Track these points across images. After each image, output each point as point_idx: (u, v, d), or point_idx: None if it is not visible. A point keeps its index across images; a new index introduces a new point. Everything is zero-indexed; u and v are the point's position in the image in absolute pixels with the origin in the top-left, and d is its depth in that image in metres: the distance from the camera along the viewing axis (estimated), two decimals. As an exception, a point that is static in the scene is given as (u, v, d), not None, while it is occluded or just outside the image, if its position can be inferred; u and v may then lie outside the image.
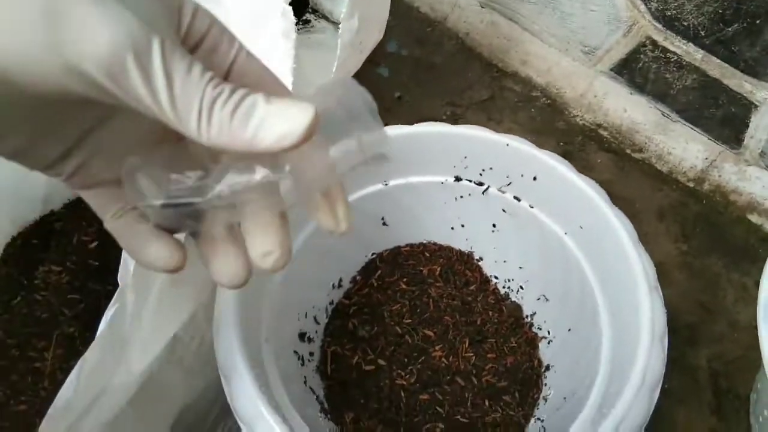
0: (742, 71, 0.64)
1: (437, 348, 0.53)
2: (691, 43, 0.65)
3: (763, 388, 0.53)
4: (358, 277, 0.57)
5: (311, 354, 0.53)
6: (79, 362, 0.35)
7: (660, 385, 0.40)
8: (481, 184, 0.54)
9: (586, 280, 0.49)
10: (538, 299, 0.55)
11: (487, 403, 0.51)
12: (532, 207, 0.53)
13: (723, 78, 0.65)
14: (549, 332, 0.54)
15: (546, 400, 0.51)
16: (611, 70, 0.73)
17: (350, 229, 0.26)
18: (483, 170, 0.53)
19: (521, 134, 0.52)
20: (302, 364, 0.51)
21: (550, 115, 0.75)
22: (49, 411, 0.34)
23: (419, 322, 0.54)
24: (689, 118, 0.71)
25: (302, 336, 0.52)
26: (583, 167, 0.70)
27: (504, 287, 0.57)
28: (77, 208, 0.59)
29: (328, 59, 0.53)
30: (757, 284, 0.48)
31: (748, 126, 0.67)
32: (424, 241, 0.58)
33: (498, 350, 0.53)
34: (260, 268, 0.25)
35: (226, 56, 0.24)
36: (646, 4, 0.66)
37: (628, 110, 0.74)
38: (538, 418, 0.50)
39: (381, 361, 0.53)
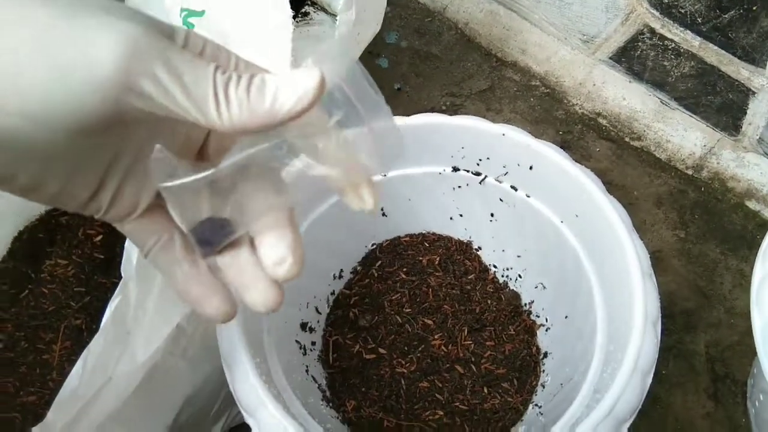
0: (739, 58, 0.64)
1: (437, 336, 0.54)
2: (688, 30, 0.65)
3: (759, 373, 0.53)
4: (358, 268, 0.58)
5: (313, 343, 0.54)
6: (84, 352, 0.36)
7: (653, 370, 0.41)
8: (478, 174, 0.54)
9: (582, 268, 0.50)
10: (536, 287, 0.56)
11: (485, 390, 0.52)
12: (528, 196, 0.53)
13: (720, 65, 0.66)
14: (547, 320, 0.55)
15: (544, 386, 0.52)
16: (610, 58, 0.73)
17: (377, 208, 0.28)
18: (480, 160, 0.53)
19: (520, 124, 0.52)
20: (304, 354, 0.52)
21: (550, 104, 0.75)
22: (56, 400, 0.35)
23: (419, 311, 0.55)
24: (687, 106, 0.71)
25: (304, 326, 0.53)
26: (582, 156, 0.70)
27: (503, 276, 0.58)
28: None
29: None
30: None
31: (746, 113, 0.67)
32: (424, 231, 0.59)
33: (497, 338, 0.54)
34: (276, 278, 0.26)
35: (225, 67, 0.24)
36: (643, -8, 0.66)
37: (627, 98, 0.74)
38: (536, 404, 0.51)
39: (381, 350, 0.54)
